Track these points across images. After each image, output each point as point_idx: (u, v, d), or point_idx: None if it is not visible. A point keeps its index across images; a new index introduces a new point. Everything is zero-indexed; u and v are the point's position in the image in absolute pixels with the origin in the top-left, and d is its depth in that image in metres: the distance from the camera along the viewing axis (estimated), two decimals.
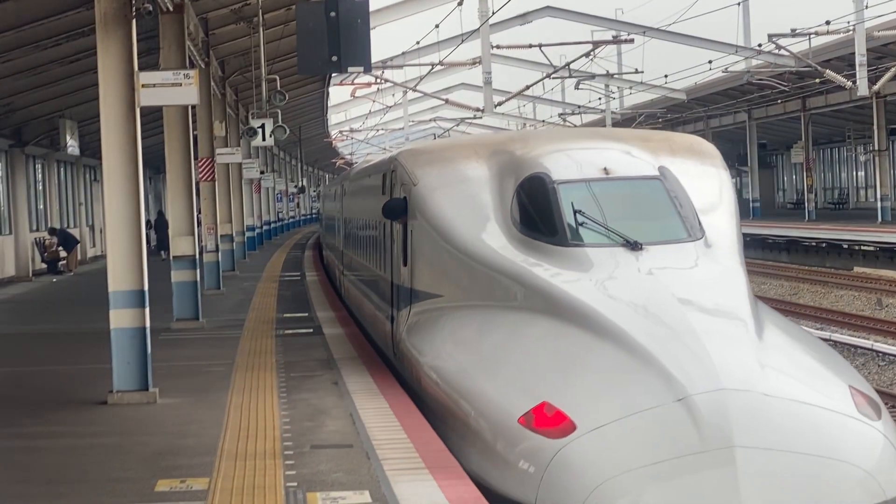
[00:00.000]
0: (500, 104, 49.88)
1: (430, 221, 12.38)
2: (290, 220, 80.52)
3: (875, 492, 8.46)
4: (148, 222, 44.06)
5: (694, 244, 10.93)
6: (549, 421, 8.93)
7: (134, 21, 13.11)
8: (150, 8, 13.37)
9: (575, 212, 11.08)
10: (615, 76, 62.37)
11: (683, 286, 10.16)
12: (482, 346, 10.78)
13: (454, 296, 11.97)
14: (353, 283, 21.10)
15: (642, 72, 57.62)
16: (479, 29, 38.59)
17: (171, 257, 21.46)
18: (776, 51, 45.76)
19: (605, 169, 11.62)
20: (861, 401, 9.16)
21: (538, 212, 11.37)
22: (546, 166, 11.70)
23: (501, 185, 11.90)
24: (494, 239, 11.50)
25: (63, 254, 36.75)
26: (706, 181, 12.04)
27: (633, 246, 10.70)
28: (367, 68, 12.95)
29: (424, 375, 11.51)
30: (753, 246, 49.72)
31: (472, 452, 9.63)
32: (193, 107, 23.66)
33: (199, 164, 27.15)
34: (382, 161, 17.33)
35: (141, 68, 13.38)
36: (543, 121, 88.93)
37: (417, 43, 47.04)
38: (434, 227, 12.28)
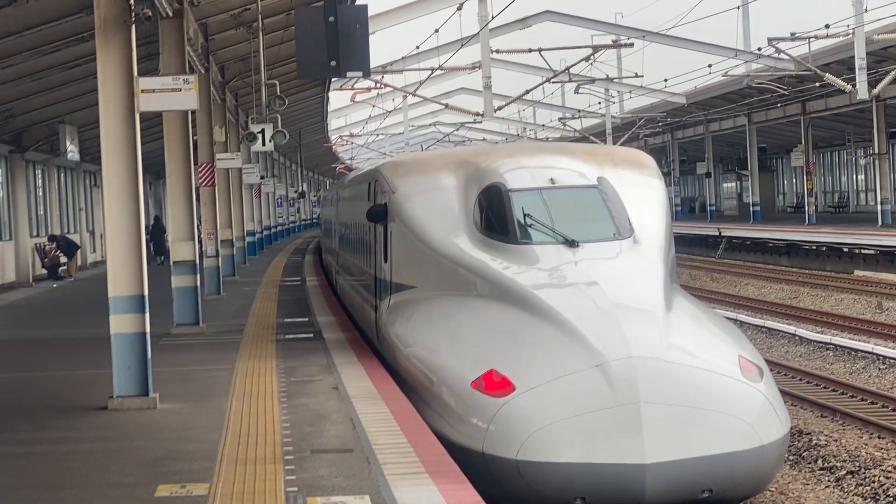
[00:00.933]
0: (499, 108, 49.86)
1: (406, 224, 14.58)
2: (291, 224, 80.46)
3: (753, 438, 10.76)
4: (146, 227, 44.06)
5: (622, 241, 13.06)
6: (495, 385, 11.10)
7: (133, 26, 13.11)
8: (150, 13, 13.41)
9: (524, 215, 13.26)
10: (615, 80, 62.39)
11: (608, 276, 12.33)
12: (446, 327, 12.95)
13: (426, 287, 14.11)
14: (346, 280, 23.28)
15: (642, 76, 57.71)
16: (478, 33, 38.61)
17: (165, 262, 21.47)
18: (776, 54, 45.76)
19: (551, 179, 13.82)
20: (747, 367, 11.39)
21: (495, 215, 13.53)
22: (503, 177, 13.86)
23: (466, 193, 14.07)
24: (459, 239, 13.68)
25: (63, 259, 36.75)
26: (640, 189, 14.14)
27: (571, 243, 12.87)
28: (367, 73, 12.96)
29: (399, 353, 13.76)
30: (754, 250, 49.74)
31: (436, 412, 11.81)
32: (193, 112, 23.67)
33: (199, 170, 27.16)
34: (368, 171, 19.96)
35: (140, 73, 13.38)
36: (543, 125, 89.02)
37: (417, 47, 47.04)
38: (409, 228, 14.47)
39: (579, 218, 13.27)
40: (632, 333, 11.26)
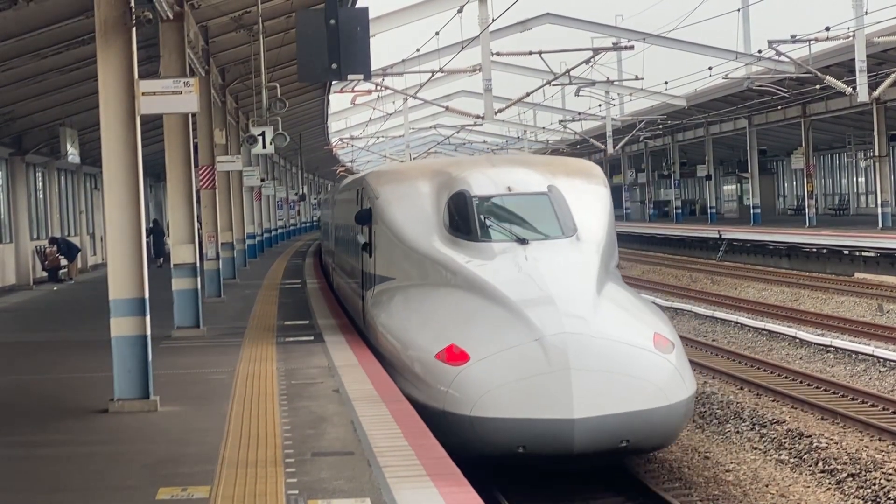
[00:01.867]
0: (500, 111, 49.87)
1: (387, 225, 17.00)
2: (292, 227, 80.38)
3: (662, 398, 13.35)
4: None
5: (565, 240, 15.50)
6: (454, 356, 13.67)
7: (134, 29, 13.12)
8: (150, 16, 13.40)
9: (484, 218, 15.82)
10: (615, 83, 62.41)
11: (551, 268, 14.80)
12: (417, 311, 15.40)
13: (403, 278, 16.56)
14: (339, 274, 26.17)
15: (642, 78, 57.66)
16: (479, 36, 38.60)
17: (164, 264, 21.48)
18: (776, 57, 45.74)
19: (509, 187, 16.29)
20: (661, 341, 13.93)
21: (460, 218, 15.97)
22: (468, 184, 16.32)
23: (438, 199, 16.46)
24: (431, 238, 16.07)
25: (64, 262, 36.74)
26: (586, 195, 16.56)
27: (522, 241, 15.37)
28: (367, 75, 12.94)
29: (380, 333, 16.22)
30: (754, 252, 49.72)
31: (406, 379, 14.31)
32: (194, 115, 23.67)
33: (200, 172, 27.15)
34: (356, 179, 23.34)
35: (141, 76, 13.38)
36: (544, 127, 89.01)
37: (417, 50, 47.05)
38: (390, 229, 16.90)
39: (530, 220, 15.77)
40: (565, 314, 13.84)
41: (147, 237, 42.19)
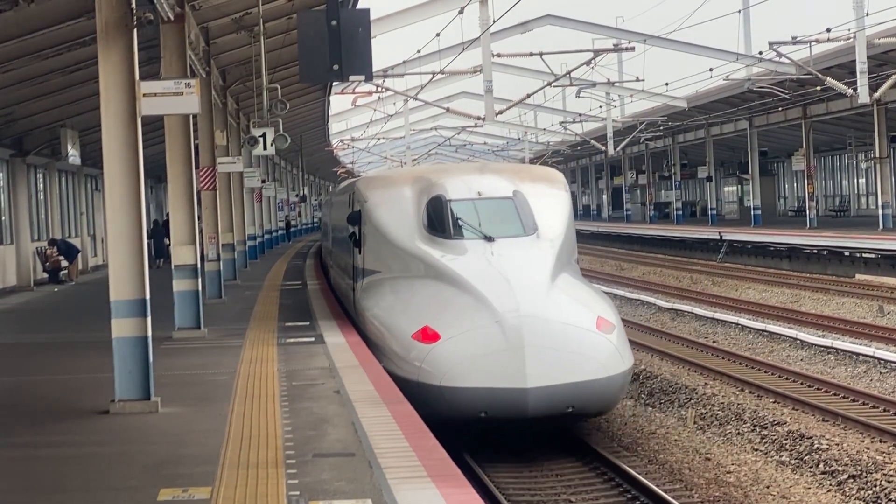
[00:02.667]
0: (501, 112, 49.87)
1: (374, 225, 19.26)
2: (293, 227, 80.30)
3: (602, 371, 15.68)
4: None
5: (527, 238, 17.78)
6: (427, 336, 15.99)
7: (135, 30, 13.11)
8: (151, 17, 13.40)
9: (457, 219, 18.03)
10: (616, 84, 62.35)
11: (512, 262, 17.08)
12: (397, 299, 17.65)
13: (387, 271, 18.81)
14: (335, 269, 28.66)
15: (643, 80, 57.65)
16: (479, 37, 38.60)
17: (164, 264, 21.49)
18: (777, 58, 45.73)
19: (479, 192, 18.58)
20: (603, 323, 16.22)
21: (437, 219, 18.20)
22: (445, 189, 18.59)
23: (418, 202, 18.64)
24: (411, 236, 18.27)
25: (64, 263, 36.74)
26: (547, 198, 18.84)
27: (489, 239, 17.68)
28: (369, 76, 12.94)
29: (367, 319, 18.45)
30: (755, 253, 49.71)
31: (388, 357, 16.52)
32: (194, 116, 23.66)
33: (201, 173, 27.15)
34: (349, 184, 25.75)
35: (142, 77, 13.38)
36: (544, 129, 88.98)
37: (418, 51, 47.05)
38: (377, 229, 19.15)
39: (497, 220, 18.03)
40: (522, 300, 16.14)
41: (148, 238, 42.18)
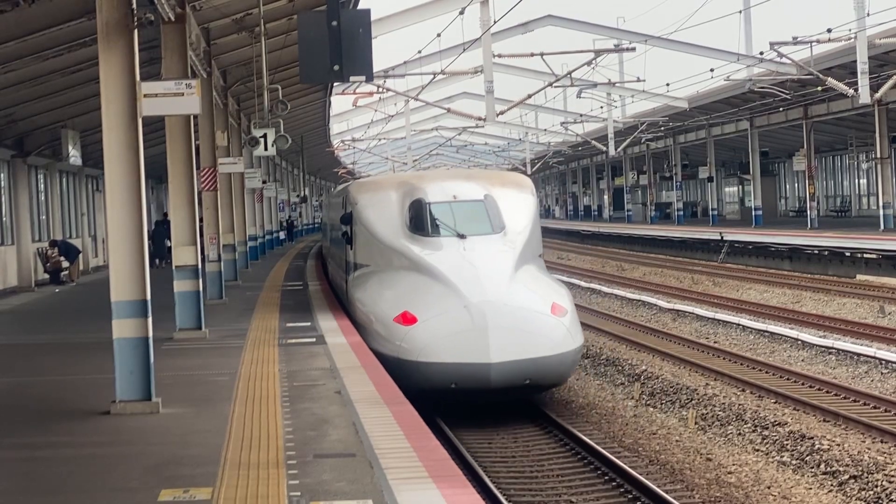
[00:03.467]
0: (501, 113, 49.84)
1: (363, 225, 21.79)
2: (295, 228, 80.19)
3: (555, 349, 18.28)
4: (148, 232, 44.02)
5: (495, 235, 20.31)
6: (407, 319, 18.56)
7: (136, 31, 13.11)
8: (152, 17, 13.41)
9: (434, 219, 20.53)
10: (617, 85, 62.36)
11: (480, 256, 19.64)
12: (382, 288, 20.13)
13: (375, 265, 21.29)
14: (332, 264, 31.67)
15: (644, 80, 57.64)
16: (480, 38, 38.60)
17: (165, 265, 21.49)
18: (778, 59, 45.73)
19: (454, 195, 21.01)
20: (557, 308, 18.83)
21: (417, 219, 20.68)
22: (425, 193, 21.05)
23: (402, 204, 21.10)
24: (395, 234, 20.77)
25: (65, 264, 36.74)
26: (515, 202, 21.34)
27: (461, 236, 20.22)
28: (369, 77, 12.92)
29: (356, 306, 21.05)
30: (756, 254, 49.71)
31: (373, 338, 19.01)
32: (195, 116, 23.66)
33: (202, 174, 27.15)
34: (343, 188, 29.68)
35: (143, 78, 13.38)
36: (545, 129, 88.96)
37: (419, 52, 47.05)
38: (365, 228, 21.68)
39: (469, 220, 20.49)
40: (488, 288, 18.74)
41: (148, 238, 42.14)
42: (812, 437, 16.73)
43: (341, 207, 25.71)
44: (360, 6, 25.17)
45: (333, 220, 30.28)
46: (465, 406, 18.83)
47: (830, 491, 14.73)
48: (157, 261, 41.76)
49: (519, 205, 21.36)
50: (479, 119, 49.69)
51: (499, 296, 18.63)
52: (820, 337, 25.86)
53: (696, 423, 18.84)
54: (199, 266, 21.31)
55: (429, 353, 18.12)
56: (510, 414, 19.48)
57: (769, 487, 14.94)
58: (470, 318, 18.27)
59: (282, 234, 69.43)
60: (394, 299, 19.35)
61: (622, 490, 14.60)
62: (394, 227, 20.91)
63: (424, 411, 13.19)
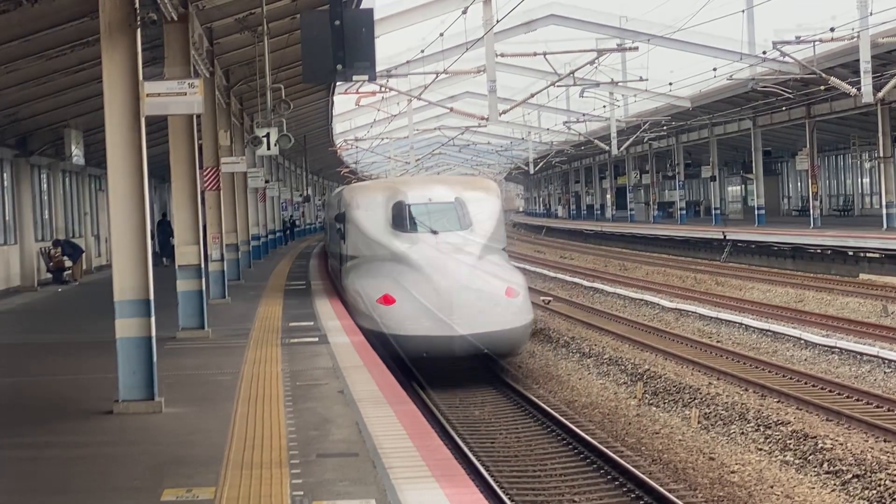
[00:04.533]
0: (504, 112, 49.85)
1: (354, 223, 25.24)
2: (297, 228, 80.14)
3: (508, 324, 21.86)
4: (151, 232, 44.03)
5: (463, 231, 23.81)
6: (387, 300, 22.11)
7: (139, 30, 13.12)
8: (155, 17, 13.41)
9: (412, 217, 23.97)
10: (620, 84, 62.37)
11: (450, 248, 23.08)
12: (369, 275, 23.51)
13: (363, 256, 24.62)
14: (331, 257, 35.77)
15: (647, 79, 57.62)
16: (483, 37, 38.61)
17: (170, 263, 21.47)
18: (781, 58, 45.70)
19: (430, 198, 24.52)
20: (511, 291, 22.33)
21: (398, 217, 24.10)
22: (406, 196, 24.50)
23: (387, 205, 24.44)
24: (381, 230, 24.17)
25: (68, 263, 36.75)
26: (481, 203, 24.76)
27: (434, 232, 23.61)
28: (372, 76, 12.93)
29: (348, 290, 24.74)
30: (759, 253, 49.69)
31: (360, 316, 22.61)
32: (198, 116, 23.66)
33: (204, 173, 27.15)
34: (339, 191, 34.00)
35: (146, 77, 13.39)
36: (548, 128, 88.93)
37: (422, 51, 47.06)
38: (356, 226, 25.08)
39: (441, 219, 24.00)
40: (454, 275, 22.29)
41: (153, 238, 42.22)
42: (815, 437, 16.72)
43: (336, 208, 30.03)
44: (363, 5, 25.18)
45: (331, 219, 34.34)
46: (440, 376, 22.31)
47: (833, 490, 14.72)
48: (164, 259, 41.79)
49: (484, 206, 24.86)
50: (482, 118, 49.72)
51: (462, 281, 22.28)
52: (823, 336, 25.85)
53: (698, 423, 18.84)
54: (203, 265, 21.32)
55: (405, 328, 21.88)
56: (510, 411, 19.49)
57: (772, 487, 14.94)
58: (438, 299, 21.95)
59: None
60: (377, 284, 22.85)
61: (625, 489, 14.60)
62: (379, 225, 24.37)
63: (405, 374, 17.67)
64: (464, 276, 22.39)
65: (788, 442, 16.87)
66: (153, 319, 13.06)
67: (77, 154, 35.30)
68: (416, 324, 21.84)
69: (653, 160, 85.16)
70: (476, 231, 24.07)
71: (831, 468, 15.40)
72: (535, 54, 45.52)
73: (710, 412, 19.30)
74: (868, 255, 40.29)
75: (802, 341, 25.81)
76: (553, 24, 47.37)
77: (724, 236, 54.36)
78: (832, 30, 41.33)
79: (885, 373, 21.97)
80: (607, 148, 73.11)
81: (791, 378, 21.79)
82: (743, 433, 17.89)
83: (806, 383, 21.24)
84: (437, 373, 22.12)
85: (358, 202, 25.43)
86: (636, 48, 48.37)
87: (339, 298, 26.78)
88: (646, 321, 31.65)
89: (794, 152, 67.25)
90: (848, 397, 19.83)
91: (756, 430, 17.83)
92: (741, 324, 29.14)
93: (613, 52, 47.85)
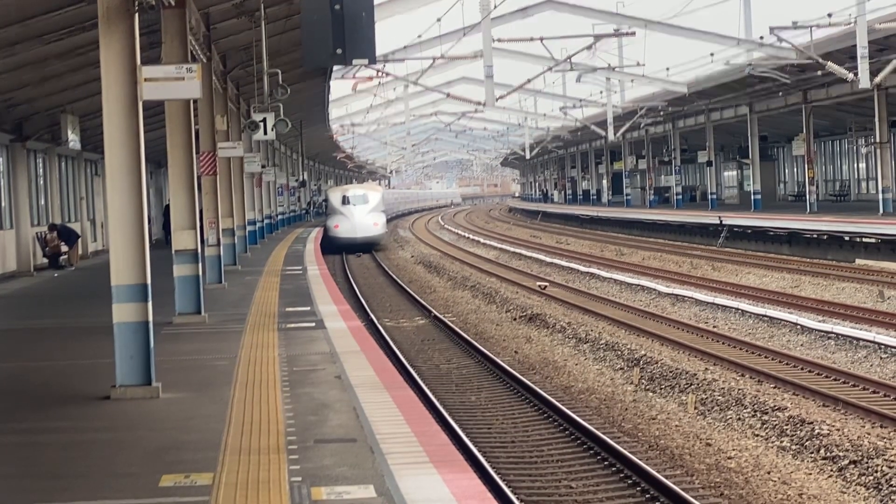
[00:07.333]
0: (501, 98, 49.85)
1: (330, 203, 62.24)
2: (291, 213, 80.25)
3: (373, 233, 61.81)
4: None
5: (364, 206, 60.81)
6: (336, 227, 60.68)
7: (136, 15, 13.10)
8: (153, 2, 13.37)
9: (348, 199, 60.74)
10: (616, 69, 62.36)
11: (359, 211, 60.79)
12: (332, 221, 61.15)
13: (331, 216, 61.73)
14: (325, 221, 63.28)
15: (643, 65, 57.63)
16: (480, 22, 38.60)
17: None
18: (777, 43, 45.69)
19: (354, 192, 61.88)
20: (376, 224, 61.67)
21: (344, 199, 61.09)
22: (346, 191, 62.52)
23: (340, 195, 61.69)
24: (337, 206, 60.96)
25: (64, 248, 36.74)
26: (372, 194, 62.27)
27: (355, 205, 60.63)
28: (372, 60, 12.91)
29: (327, 225, 61.93)
30: (755, 238, 49.70)
31: (328, 231, 60.64)
32: (195, 101, 23.65)
33: (201, 159, 27.14)
34: (329, 189, 72.58)
35: (143, 62, 13.37)
36: (545, 114, 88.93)
37: (419, 36, 47.08)
38: (330, 204, 62.11)
39: (358, 202, 60.37)
40: (358, 219, 60.00)
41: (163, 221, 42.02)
42: (811, 422, 16.74)
43: (325, 198, 66.07)
44: None
45: (327, 203, 65.24)
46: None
47: (830, 476, 14.74)
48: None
49: (372, 195, 60.47)
50: (479, 104, 49.85)
51: (361, 220, 58.65)
52: (819, 321, 25.87)
53: (695, 408, 18.86)
54: (199, 250, 21.32)
55: (340, 237, 58.02)
56: (507, 397, 19.54)
57: (769, 472, 14.95)
58: (353, 227, 58.01)
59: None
60: (333, 222, 58.77)
61: (622, 475, 14.62)
62: (337, 203, 58.95)
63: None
64: (362, 220, 58.63)
65: (785, 428, 16.89)
66: (150, 304, 13.06)
67: (73, 139, 35.28)
68: (345, 233, 58.17)
69: (649, 146, 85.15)
70: (369, 205, 59.61)
71: (828, 454, 15.41)
72: (531, 39, 45.50)
73: (706, 398, 19.32)
74: (864, 240, 40.31)
75: (799, 327, 25.83)
76: (550, 10, 47.34)
77: (721, 221, 54.37)
78: (829, 15, 41.34)
79: (881, 358, 21.98)
80: (604, 133, 73.13)
81: (787, 363, 21.81)
82: (740, 419, 17.90)
83: (802, 369, 21.25)
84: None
85: (332, 196, 61.09)
86: (633, 34, 48.35)
87: (325, 233, 58.61)
88: (642, 306, 31.66)
89: (791, 138, 67.25)
90: (844, 383, 19.84)
91: (753, 416, 17.84)
92: (738, 309, 29.16)
93: (610, 37, 47.81)
